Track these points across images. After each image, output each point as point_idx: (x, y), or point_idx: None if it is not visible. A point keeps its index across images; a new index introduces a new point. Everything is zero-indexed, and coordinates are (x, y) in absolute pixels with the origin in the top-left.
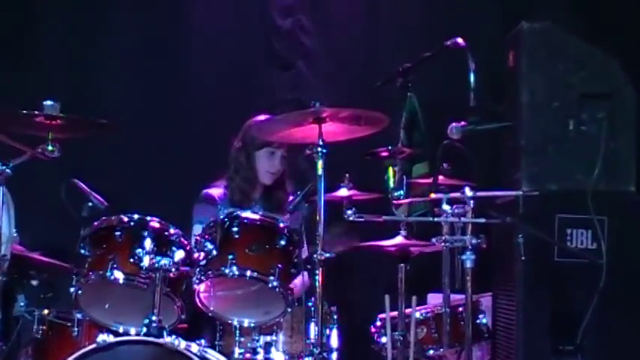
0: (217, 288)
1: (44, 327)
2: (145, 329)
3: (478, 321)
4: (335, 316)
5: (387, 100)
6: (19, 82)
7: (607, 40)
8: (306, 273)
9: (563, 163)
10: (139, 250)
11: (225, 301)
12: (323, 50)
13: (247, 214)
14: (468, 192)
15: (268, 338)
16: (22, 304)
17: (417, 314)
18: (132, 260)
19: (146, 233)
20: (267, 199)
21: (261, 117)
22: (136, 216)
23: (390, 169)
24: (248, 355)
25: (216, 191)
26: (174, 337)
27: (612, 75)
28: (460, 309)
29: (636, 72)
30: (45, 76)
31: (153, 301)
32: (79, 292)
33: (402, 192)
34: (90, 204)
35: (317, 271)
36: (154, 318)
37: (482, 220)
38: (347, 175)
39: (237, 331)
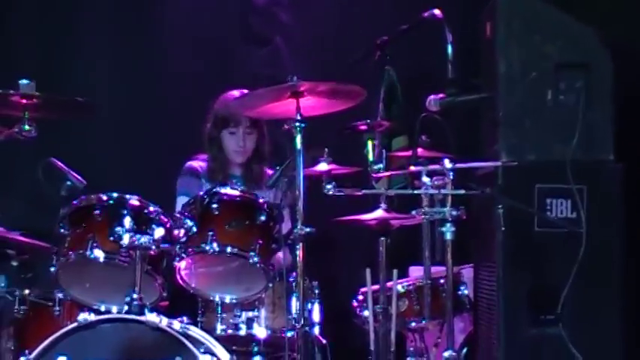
0: (198, 265)
1: (25, 307)
2: (126, 307)
3: (459, 292)
4: (316, 291)
5: (364, 74)
6: None
7: (582, 9)
8: (286, 248)
9: (541, 133)
10: (119, 228)
11: (206, 277)
12: (300, 25)
13: (227, 190)
14: (447, 164)
15: (250, 314)
16: (2, 284)
17: (399, 287)
18: (112, 239)
19: (125, 211)
20: (247, 176)
21: (229, 94)
22: (115, 194)
23: (369, 143)
24: (230, 331)
25: (199, 164)
26: (155, 314)
27: (588, 44)
28: (441, 281)
29: (612, 41)
30: (17, 56)
31: (133, 279)
32: (60, 271)
33: (381, 165)
34: (68, 183)
35: (298, 246)
36: (134, 296)
37: (462, 192)
38: (326, 149)
39: (219, 308)
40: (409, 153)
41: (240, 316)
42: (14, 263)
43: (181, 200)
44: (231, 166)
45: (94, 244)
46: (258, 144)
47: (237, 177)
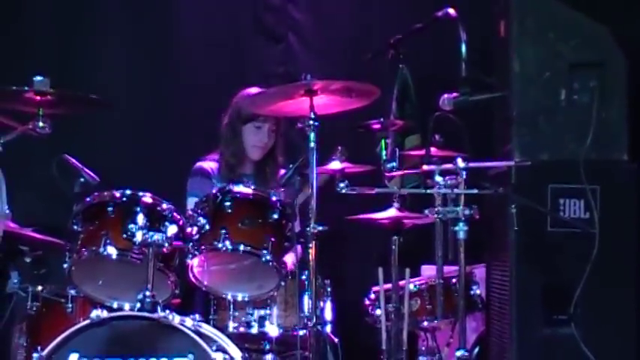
0: (210, 262)
1: (38, 303)
2: (138, 304)
3: (472, 292)
4: (329, 289)
5: (378, 73)
6: (6, 58)
7: (596, 8)
8: (299, 246)
9: (554, 132)
10: (132, 225)
11: (218, 275)
12: (313, 23)
13: (240, 188)
14: (461, 163)
15: (262, 312)
16: (15, 280)
17: (411, 286)
18: (125, 236)
19: (138, 208)
20: (259, 174)
21: (250, 90)
22: (128, 191)
23: (383, 142)
24: (242, 329)
25: (209, 164)
26: (168, 312)
27: (602, 43)
28: (453, 280)
29: (626, 39)
30: (32, 52)
31: (146, 277)
32: (73, 268)
33: (394, 164)
34: (82, 180)
35: (310, 245)
36: (147, 293)
37: (475, 191)
38: (339, 147)
39: (231, 306)
40: (422, 152)
41: (252, 314)
42: (27, 259)
43: (192, 202)
44: (245, 163)
45: (107, 241)
46: (276, 143)
47: (248, 175)
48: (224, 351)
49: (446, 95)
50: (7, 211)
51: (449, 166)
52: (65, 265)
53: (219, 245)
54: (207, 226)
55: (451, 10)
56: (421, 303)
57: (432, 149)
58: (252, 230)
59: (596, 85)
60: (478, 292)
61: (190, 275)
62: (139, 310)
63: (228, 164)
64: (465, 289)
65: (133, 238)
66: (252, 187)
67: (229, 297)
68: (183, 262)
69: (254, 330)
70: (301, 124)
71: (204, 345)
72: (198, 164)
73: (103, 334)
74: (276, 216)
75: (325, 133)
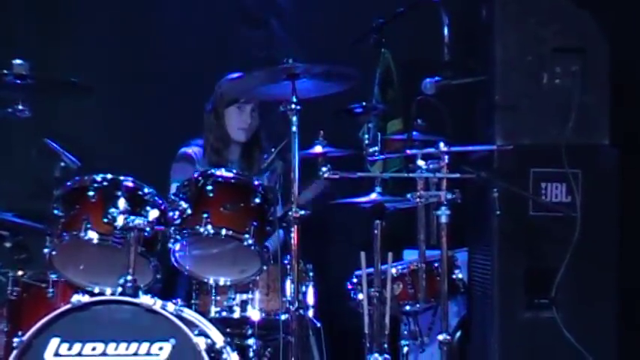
0: (192, 247)
1: (19, 288)
2: (120, 289)
3: (454, 276)
4: (311, 274)
5: (361, 57)
6: None
7: None
8: (281, 230)
9: (537, 117)
10: (113, 209)
11: (200, 260)
12: (296, 7)
13: (221, 172)
14: (443, 147)
15: (244, 296)
16: None
17: (393, 270)
18: (106, 220)
19: (120, 193)
20: (244, 160)
21: (232, 75)
22: (109, 175)
23: (365, 126)
24: (224, 314)
25: (193, 149)
26: (149, 296)
27: (584, 27)
28: (436, 264)
29: (608, 24)
30: (12, 36)
31: (127, 261)
32: (53, 252)
33: (376, 148)
34: (62, 164)
35: (292, 229)
36: (129, 278)
37: (457, 175)
38: (321, 131)
39: (213, 290)
40: (404, 136)
41: (234, 299)
42: (8, 244)
43: (175, 188)
44: (231, 148)
45: (88, 226)
46: (259, 127)
47: (234, 161)
48: (206, 335)
49: (428, 79)
50: None
51: (431, 150)
52: (46, 250)
53: (201, 229)
54: (189, 210)
55: None
56: (403, 287)
57: (415, 133)
58: (234, 214)
59: (578, 70)
60: (460, 276)
61: (172, 260)
62: (121, 294)
63: (215, 148)
64: (448, 273)
65: (114, 223)
66: (234, 171)
67: (211, 281)
68: (165, 247)
69: (236, 314)
70: (283, 108)
71: (186, 329)
72: (182, 150)
73: (85, 319)
74: (258, 200)
75: (307, 117)
